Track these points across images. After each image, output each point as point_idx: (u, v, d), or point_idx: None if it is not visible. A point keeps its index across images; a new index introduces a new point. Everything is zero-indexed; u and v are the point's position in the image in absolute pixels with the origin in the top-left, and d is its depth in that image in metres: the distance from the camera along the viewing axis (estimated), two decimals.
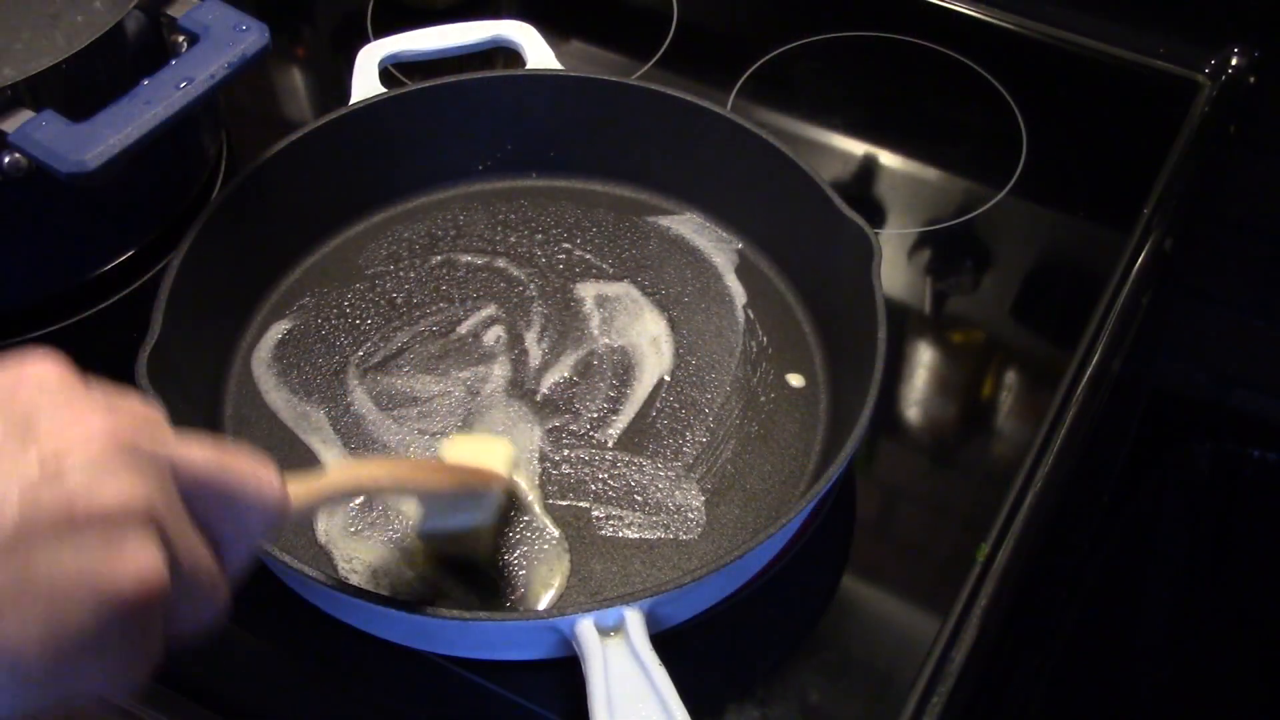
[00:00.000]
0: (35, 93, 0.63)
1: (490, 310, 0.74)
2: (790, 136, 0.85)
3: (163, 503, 0.38)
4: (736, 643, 0.61)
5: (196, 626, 0.42)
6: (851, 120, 0.88)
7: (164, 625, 0.39)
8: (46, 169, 0.62)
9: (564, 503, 0.65)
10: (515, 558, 0.63)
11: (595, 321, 0.73)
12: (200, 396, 0.68)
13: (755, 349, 0.72)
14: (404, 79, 0.85)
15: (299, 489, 0.46)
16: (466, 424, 0.68)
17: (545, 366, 0.71)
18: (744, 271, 0.76)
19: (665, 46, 0.92)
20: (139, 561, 0.36)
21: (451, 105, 0.77)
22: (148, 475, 0.37)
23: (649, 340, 0.72)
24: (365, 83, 0.77)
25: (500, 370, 0.71)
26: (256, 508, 0.42)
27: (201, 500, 0.40)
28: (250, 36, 0.66)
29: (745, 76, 0.89)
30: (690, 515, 0.65)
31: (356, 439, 0.68)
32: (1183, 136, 0.85)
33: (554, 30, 0.82)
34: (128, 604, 0.36)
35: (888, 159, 0.86)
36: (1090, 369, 0.72)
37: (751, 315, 0.74)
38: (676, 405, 0.69)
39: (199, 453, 0.40)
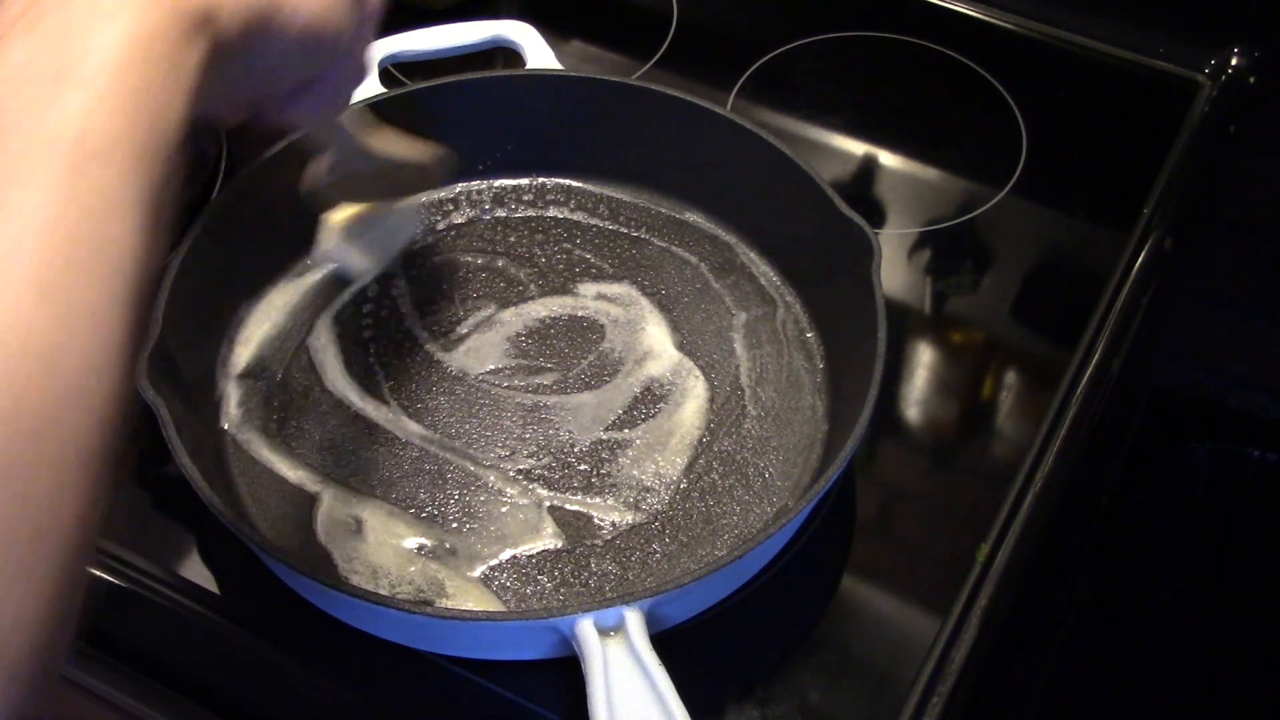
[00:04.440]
0: None
1: (490, 310, 0.74)
2: (790, 136, 0.85)
3: None
4: (736, 643, 0.61)
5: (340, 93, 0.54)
6: (851, 120, 0.88)
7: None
8: None
9: (564, 503, 0.65)
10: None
11: (595, 321, 0.73)
12: (200, 396, 0.68)
13: (755, 349, 0.72)
14: (404, 79, 0.85)
15: None
16: (467, 422, 0.68)
17: (545, 367, 0.71)
18: (743, 271, 0.76)
19: (665, 46, 0.92)
20: None
21: (451, 105, 0.77)
22: None
23: (648, 340, 0.72)
24: (365, 83, 0.76)
25: (500, 369, 0.71)
26: None
27: None
28: None
29: (745, 76, 0.89)
30: (690, 515, 0.65)
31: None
32: (1183, 136, 0.85)
33: (554, 30, 0.82)
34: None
35: (888, 159, 0.86)
36: (1090, 369, 0.72)
37: (751, 316, 0.74)
38: (676, 405, 0.69)
39: None
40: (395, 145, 0.68)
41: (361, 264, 0.71)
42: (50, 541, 0.33)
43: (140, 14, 0.37)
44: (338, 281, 0.75)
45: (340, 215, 0.68)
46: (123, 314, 0.35)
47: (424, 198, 0.79)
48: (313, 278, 0.75)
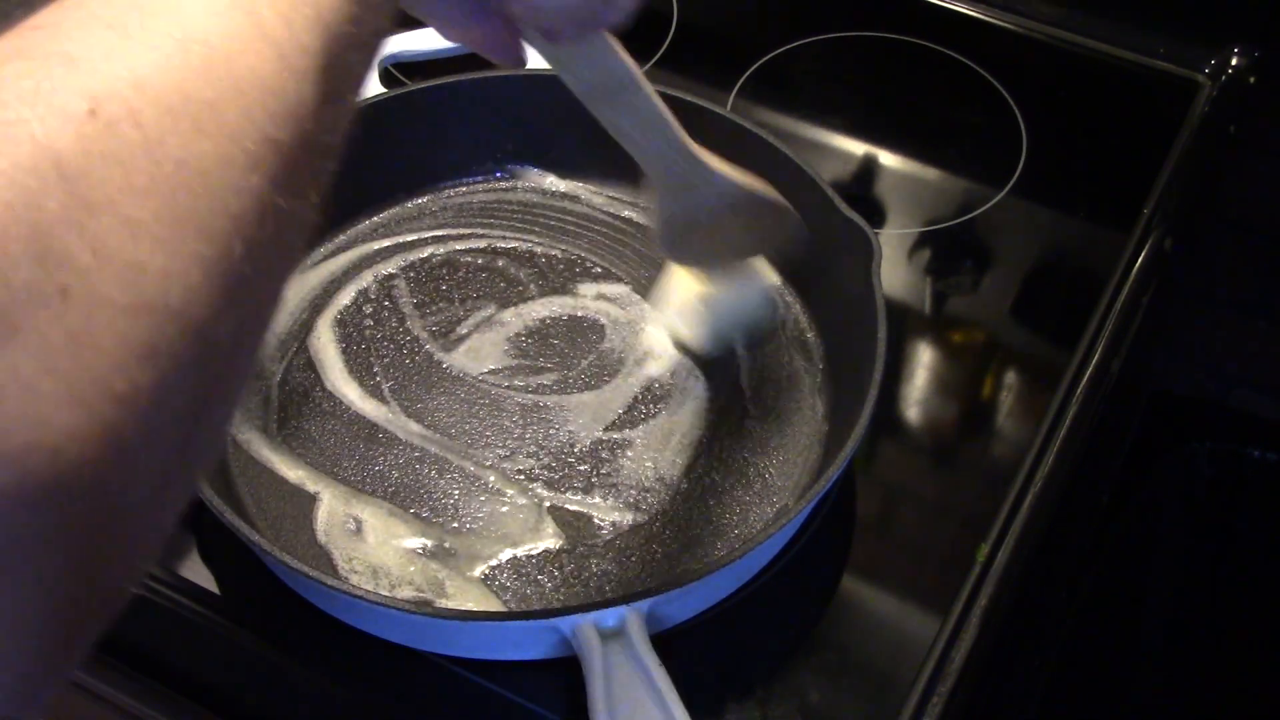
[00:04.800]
0: None
1: (490, 310, 0.74)
2: (790, 136, 0.85)
3: None
4: (736, 643, 0.61)
5: None
6: (851, 120, 0.88)
7: None
8: None
9: (564, 503, 0.65)
10: None
11: (595, 321, 0.73)
12: None
13: (755, 349, 0.72)
14: (404, 79, 0.85)
15: None
16: (467, 422, 0.68)
17: (545, 367, 0.71)
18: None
19: (665, 46, 0.92)
20: None
21: (451, 105, 0.77)
22: None
23: (648, 340, 0.72)
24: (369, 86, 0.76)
25: (500, 369, 0.71)
26: None
27: None
28: None
29: (745, 76, 0.89)
30: (690, 515, 0.65)
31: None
32: (1183, 136, 0.85)
33: None
34: None
35: (888, 159, 0.86)
36: (1090, 369, 0.72)
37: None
38: (676, 405, 0.69)
39: None
40: (735, 174, 0.60)
41: (699, 341, 0.65)
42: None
43: None
44: (336, 282, 0.75)
45: (684, 287, 0.62)
46: (320, 46, 0.31)
47: (421, 200, 0.79)
48: (313, 278, 0.75)
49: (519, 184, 0.80)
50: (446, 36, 0.46)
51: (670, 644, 0.55)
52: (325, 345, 0.72)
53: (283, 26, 0.30)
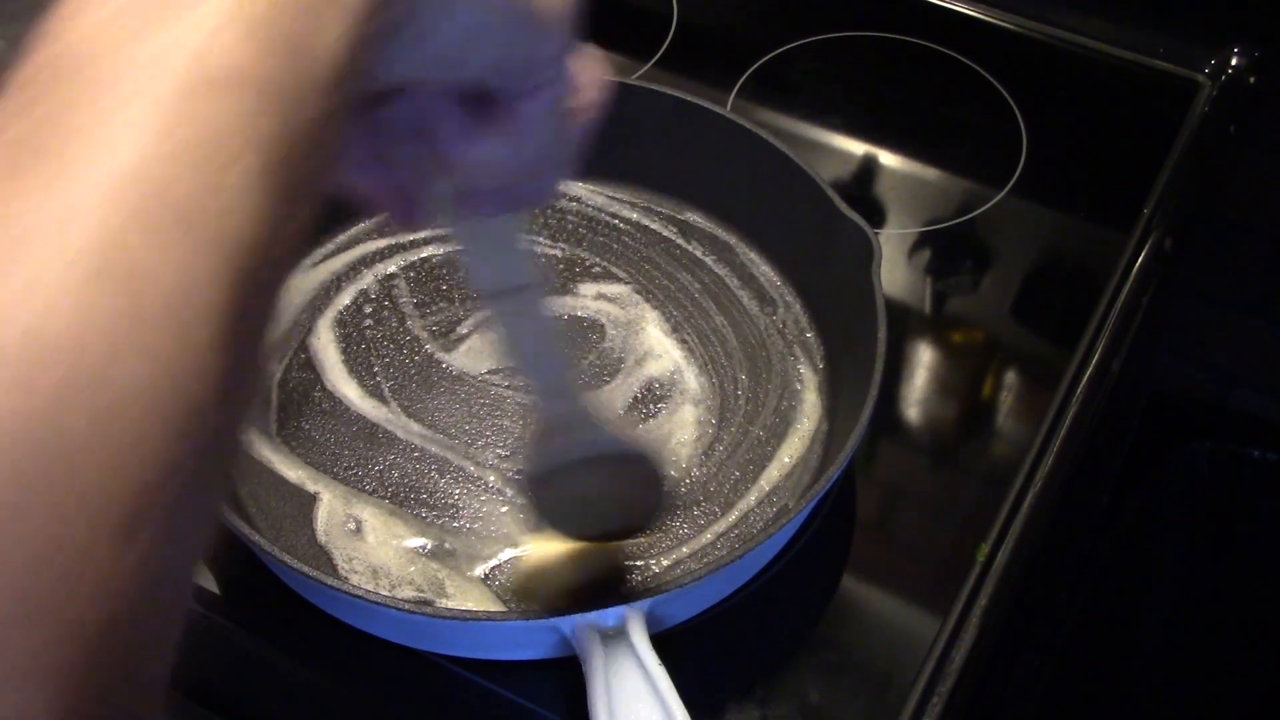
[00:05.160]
0: None
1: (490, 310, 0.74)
2: (790, 136, 0.85)
3: None
4: (736, 643, 0.61)
5: None
6: (851, 120, 0.88)
7: None
8: None
9: None
10: None
11: (595, 321, 0.73)
12: None
13: (755, 349, 0.72)
14: None
15: None
16: (467, 422, 0.68)
17: None
18: (743, 271, 0.76)
19: (665, 46, 0.92)
20: None
21: None
22: None
23: (649, 340, 0.72)
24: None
25: (500, 369, 0.71)
26: None
27: None
28: None
29: (745, 76, 0.89)
30: (689, 514, 0.65)
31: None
32: (1183, 136, 0.85)
33: None
34: None
35: (888, 159, 0.86)
36: (1090, 369, 0.72)
37: (751, 315, 0.74)
38: (676, 405, 0.69)
39: None
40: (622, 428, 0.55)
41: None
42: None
43: None
44: (336, 282, 0.75)
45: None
46: (225, 296, 0.24)
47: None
48: (313, 278, 0.75)
49: None
50: (329, 184, 0.34)
51: (670, 644, 0.55)
52: (325, 345, 0.72)
53: (177, 296, 0.24)
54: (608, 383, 0.70)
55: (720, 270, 0.76)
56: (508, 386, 0.70)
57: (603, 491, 0.56)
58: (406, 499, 0.65)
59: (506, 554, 0.63)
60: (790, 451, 0.67)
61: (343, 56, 0.27)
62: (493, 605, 0.61)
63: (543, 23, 0.35)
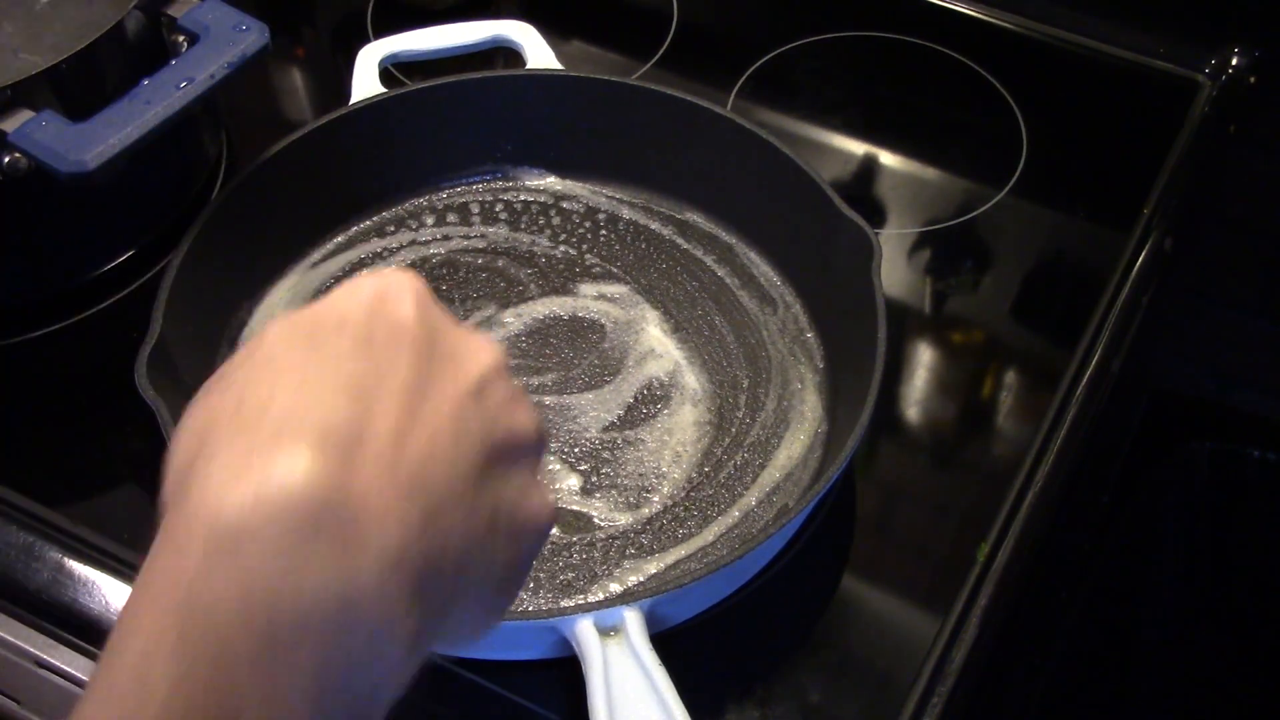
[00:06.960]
0: (35, 93, 0.63)
1: (490, 310, 0.74)
2: (790, 136, 0.85)
3: None
4: (736, 643, 0.61)
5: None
6: (851, 120, 0.88)
7: None
8: (46, 169, 0.62)
9: (564, 503, 0.65)
10: None
11: (595, 321, 0.73)
12: None
13: (755, 349, 0.72)
14: (404, 79, 0.85)
15: None
16: None
17: (545, 367, 0.71)
18: (743, 271, 0.76)
19: (665, 46, 0.92)
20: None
21: (451, 105, 0.77)
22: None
23: (649, 341, 0.72)
24: (365, 83, 0.76)
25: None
26: None
27: None
28: (250, 36, 0.66)
29: (745, 76, 0.89)
30: (689, 515, 0.65)
31: None
32: (1183, 136, 0.85)
33: (554, 30, 0.82)
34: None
35: (888, 159, 0.86)
36: (1090, 369, 0.72)
37: (751, 315, 0.73)
38: (676, 405, 0.69)
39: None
40: None
41: None
42: None
43: (339, 567, 0.28)
44: (336, 282, 0.75)
45: None
46: None
47: (421, 200, 0.79)
48: (313, 278, 0.75)
49: (519, 184, 0.80)
50: None
51: (670, 644, 0.55)
52: None
53: None
54: (608, 383, 0.70)
55: (720, 270, 0.76)
56: None
57: None
58: None
59: None
60: (790, 451, 0.67)
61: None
62: None
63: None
